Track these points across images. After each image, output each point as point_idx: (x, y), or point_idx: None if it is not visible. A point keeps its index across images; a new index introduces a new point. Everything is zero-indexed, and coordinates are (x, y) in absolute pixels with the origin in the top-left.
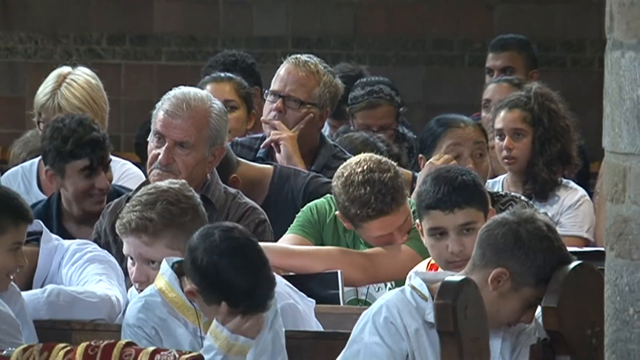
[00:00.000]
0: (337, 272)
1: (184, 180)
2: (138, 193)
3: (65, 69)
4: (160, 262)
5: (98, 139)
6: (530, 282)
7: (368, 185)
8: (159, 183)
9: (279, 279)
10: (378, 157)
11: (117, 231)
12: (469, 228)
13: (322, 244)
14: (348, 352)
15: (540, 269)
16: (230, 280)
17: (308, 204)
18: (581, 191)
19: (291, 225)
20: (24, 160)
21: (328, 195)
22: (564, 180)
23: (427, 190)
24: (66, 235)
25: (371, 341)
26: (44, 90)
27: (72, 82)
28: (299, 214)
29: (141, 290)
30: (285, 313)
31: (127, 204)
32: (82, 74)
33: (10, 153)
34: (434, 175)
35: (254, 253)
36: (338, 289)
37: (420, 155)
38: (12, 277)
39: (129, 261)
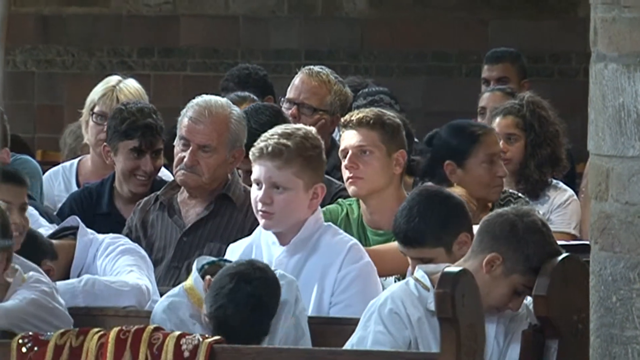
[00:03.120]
0: None
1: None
2: (275, 128)
3: (117, 77)
4: (284, 188)
5: (151, 126)
6: (519, 270)
7: None
8: (290, 125)
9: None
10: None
11: (250, 156)
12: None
13: None
14: (356, 339)
15: (529, 258)
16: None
17: (322, 209)
18: (569, 191)
19: None
20: (73, 150)
21: (339, 200)
22: (554, 181)
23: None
24: (115, 211)
25: (376, 330)
26: (99, 89)
27: (127, 84)
28: None
29: (265, 212)
30: (367, 270)
31: (263, 134)
32: (133, 81)
33: (61, 141)
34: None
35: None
36: None
37: (447, 162)
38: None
39: (255, 186)
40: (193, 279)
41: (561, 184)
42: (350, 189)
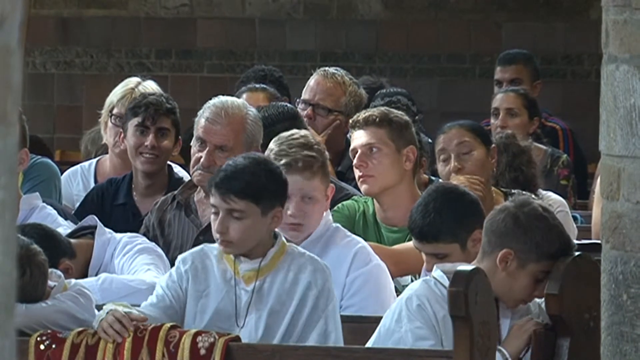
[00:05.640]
0: None
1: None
2: (283, 139)
3: (137, 79)
4: (313, 198)
5: (153, 102)
6: (533, 258)
7: None
8: (291, 131)
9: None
10: None
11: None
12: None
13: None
14: (391, 342)
15: (539, 245)
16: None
17: (338, 204)
18: (558, 202)
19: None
20: (95, 154)
21: (355, 197)
22: (543, 192)
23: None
24: (131, 202)
25: (414, 327)
26: (118, 90)
27: (146, 85)
28: (332, 213)
29: (297, 225)
30: (376, 272)
31: (278, 148)
32: (152, 83)
33: (82, 146)
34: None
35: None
36: None
37: (423, 159)
38: None
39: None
40: None
41: (552, 194)
42: (363, 188)
